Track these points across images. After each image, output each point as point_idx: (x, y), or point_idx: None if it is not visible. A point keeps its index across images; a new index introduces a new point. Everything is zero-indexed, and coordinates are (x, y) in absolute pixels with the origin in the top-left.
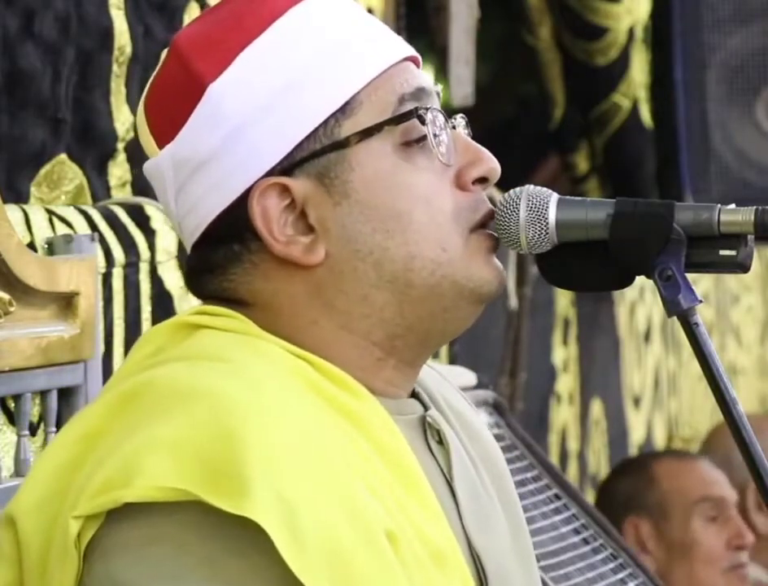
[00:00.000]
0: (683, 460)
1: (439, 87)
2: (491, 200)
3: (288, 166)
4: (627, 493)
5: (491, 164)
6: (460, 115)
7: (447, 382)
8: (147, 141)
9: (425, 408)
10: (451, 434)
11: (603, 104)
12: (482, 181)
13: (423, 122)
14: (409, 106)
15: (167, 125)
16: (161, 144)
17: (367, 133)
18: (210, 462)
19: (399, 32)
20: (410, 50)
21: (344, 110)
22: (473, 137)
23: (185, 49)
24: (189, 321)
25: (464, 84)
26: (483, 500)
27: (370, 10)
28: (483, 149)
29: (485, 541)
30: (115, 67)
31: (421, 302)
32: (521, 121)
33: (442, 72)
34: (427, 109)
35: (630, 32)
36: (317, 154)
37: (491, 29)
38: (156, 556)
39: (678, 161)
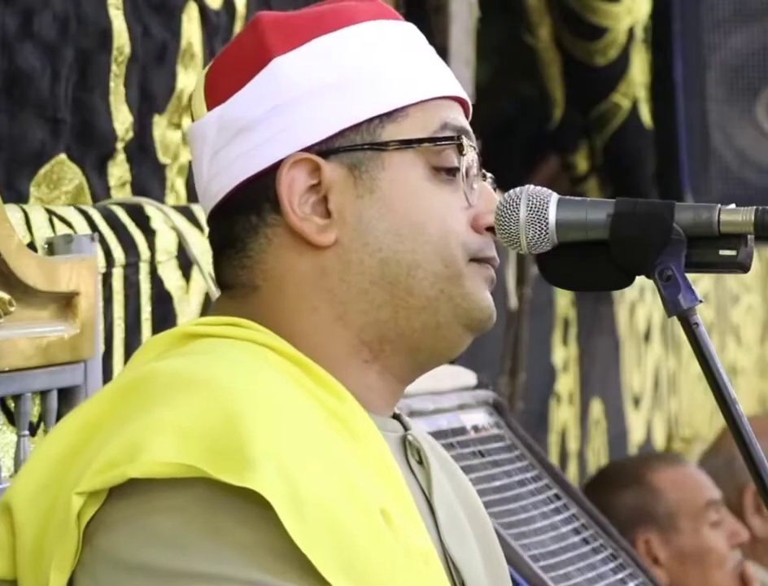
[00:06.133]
0: (676, 466)
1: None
2: None
3: (325, 149)
4: (632, 507)
5: None
6: (490, 175)
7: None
8: (198, 104)
9: (405, 428)
10: (431, 456)
11: (603, 104)
12: (492, 230)
13: (462, 152)
14: (449, 133)
15: (224, 87)
16: (212, 105)
17: (407, 143)
18: (213, 441)
19: None
20: (464, 93)
21: (390, 115)
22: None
23: (263, 24)
24: (188, 330)
25: (464, 84)
26: (460, 522)
27: None
28: None
29: (462, 554)
30: (114, 67)
31: (417, 312)
32: (521, 121)
33: None
34: (470, 146)
35: (630, 32)
36: (356, 146)
37: (491, 29)
38: (160, 525)
39: (678, 161)
